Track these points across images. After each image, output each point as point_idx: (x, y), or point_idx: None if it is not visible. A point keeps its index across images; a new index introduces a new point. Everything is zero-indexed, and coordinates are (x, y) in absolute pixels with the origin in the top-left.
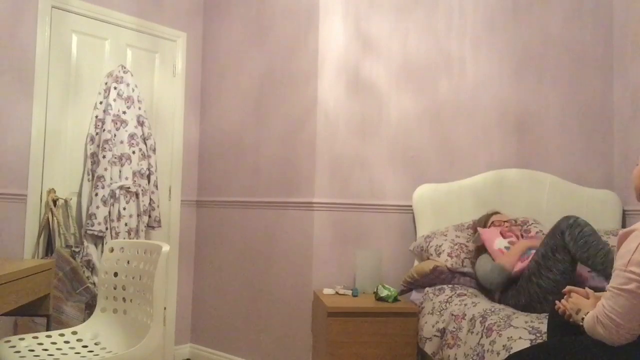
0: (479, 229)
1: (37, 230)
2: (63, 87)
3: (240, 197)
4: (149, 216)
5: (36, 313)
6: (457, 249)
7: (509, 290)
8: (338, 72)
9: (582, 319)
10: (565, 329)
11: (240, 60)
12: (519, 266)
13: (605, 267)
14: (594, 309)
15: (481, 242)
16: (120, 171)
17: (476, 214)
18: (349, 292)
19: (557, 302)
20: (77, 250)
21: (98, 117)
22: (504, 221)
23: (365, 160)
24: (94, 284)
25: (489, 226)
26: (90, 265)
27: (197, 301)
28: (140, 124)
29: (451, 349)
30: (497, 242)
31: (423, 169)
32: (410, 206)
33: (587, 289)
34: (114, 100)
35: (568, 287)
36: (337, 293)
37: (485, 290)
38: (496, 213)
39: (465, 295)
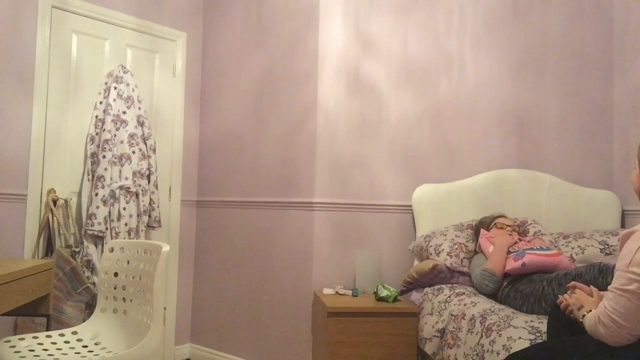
0: (482, 230)
1: (37, 230)
2: (63, 87)
3: (240, 197)
4: (149, 216)
5: (36, 313)
6: (456, 249)
7: (511, 291)
8: (338, 72)
9: (584, 315)
10: (565, 329)
11: (240, 60)
12: (512, 264)
13: None
14: (596, 309)
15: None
16: (120, 171)
17: (476, 214)
18: (349, 292)
19: (560, 296)
20: (77, 250)
21: (98, 117)
22: (507, 225)
23: (365, 160)
24: (94, 284)
25: (491, 228)
26: (90, 265)
27: (197, 301)
28: (140, 124)
29: (451, 349)
30: (492, 247)
31: (423, 169)
32: (410, 206)
33: (591, 287)
34: (114, 100)
35: (572, 283)
36: (337, 293)
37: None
38: (501, 216)
39: (464, 294)
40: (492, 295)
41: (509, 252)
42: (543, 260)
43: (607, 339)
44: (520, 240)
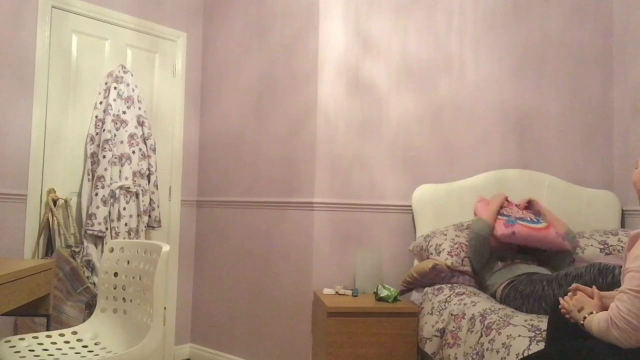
0: (479, 201)
1: (37, 230)
2: (63, 87)
3: (240, 197)
4: (149, 216)
5: (36, 313)
6: (457, 248)
7: (511, 291)
8: (338, 72)
9: (584, 317)
10: (565, 329)
11: (240, 61)
12: (502, 230)
13: None
14: (602, 312)
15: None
16: (120, 171)
17: None
18: (349, 292)
19: (560, 299)
20: (77, 250)
21: (98, 117)
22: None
23: (365, 160)
24: (94, 284)
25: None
26: (90, 265)
27: (197, 301)
28: (140, 124)
29: (451, 348)
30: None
31: (423, 169)
32: (410, 206)
33: (594, 288)
34: (114, 100)
35: (575, 285)
36: (337, 293)
37: (484, 288)
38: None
39: (464, 294)
40: (492, 296)
41: (502, 215)
42: (531, 233)
43: (620, 342)
44: (512, 203)
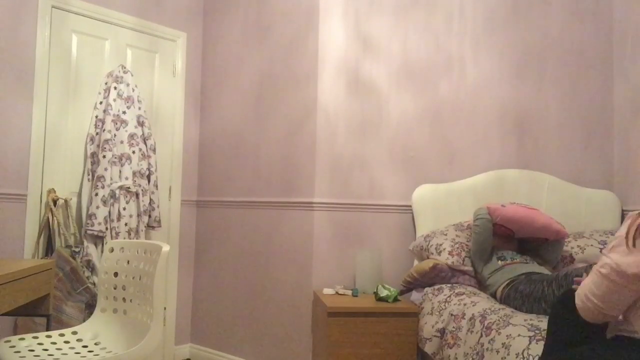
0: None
1: (37, 230)
2: (63, 87)
3: (240, 197)
4: (149, 216)
5: (36, 313)
6: (457, 248)
7: (511, 291)
8: (338, 72)
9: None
10: (566, 330)
11: (240, 60)
12: (499, 211)
13: None
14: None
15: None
16: (120, 171)
17: None
18: (349, 292)
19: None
20: (77, 250)
21: (98, 117)
22: None
23: (365, 161)
24: (94, 284)
25: None
26: (90, 265)
27: (197, 301)
28: (140, 124)
29: (451, 348)
30: None
31: (423, 169)
32: (410, 206)
33: None
34: (114, 100)
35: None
36: (337, 293)
37: (484, 288)
38: None
39: (464, 294)
40: (492, 295)
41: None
42: (517, 209)
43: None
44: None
